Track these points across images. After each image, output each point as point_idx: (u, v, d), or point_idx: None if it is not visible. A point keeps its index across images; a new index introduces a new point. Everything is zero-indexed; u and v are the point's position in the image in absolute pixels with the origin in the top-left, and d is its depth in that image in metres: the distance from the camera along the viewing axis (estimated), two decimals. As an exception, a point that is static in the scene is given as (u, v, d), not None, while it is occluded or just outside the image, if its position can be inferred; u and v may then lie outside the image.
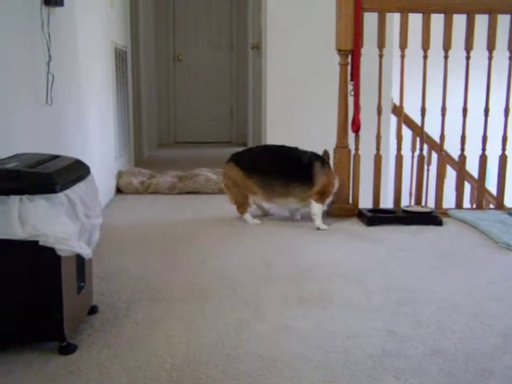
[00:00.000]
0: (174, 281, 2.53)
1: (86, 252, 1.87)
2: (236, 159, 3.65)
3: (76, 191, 1.86)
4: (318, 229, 3.45)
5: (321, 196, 3.50)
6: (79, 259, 1.95)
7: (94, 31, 3.91)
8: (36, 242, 1.73)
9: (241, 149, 3.83)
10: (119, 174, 4.66)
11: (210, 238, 3.26)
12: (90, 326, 2.05)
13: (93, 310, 2.15)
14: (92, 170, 2.10)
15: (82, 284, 2.02)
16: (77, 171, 1.97)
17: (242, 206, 3.61)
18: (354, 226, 3.52)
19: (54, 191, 1.74)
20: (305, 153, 3.57)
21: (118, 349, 1.88)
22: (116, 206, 4.12)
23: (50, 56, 2.76)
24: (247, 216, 3.59)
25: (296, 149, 3.59)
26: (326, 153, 3.63)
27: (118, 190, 4.55)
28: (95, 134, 3.86)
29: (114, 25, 4.62)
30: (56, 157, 2.05)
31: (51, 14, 2.79)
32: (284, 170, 3.53)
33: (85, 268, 2.04)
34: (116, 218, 3.69)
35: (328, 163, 3.59)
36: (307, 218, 3.57)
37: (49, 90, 2.77)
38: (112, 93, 4.46)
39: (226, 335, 1.99)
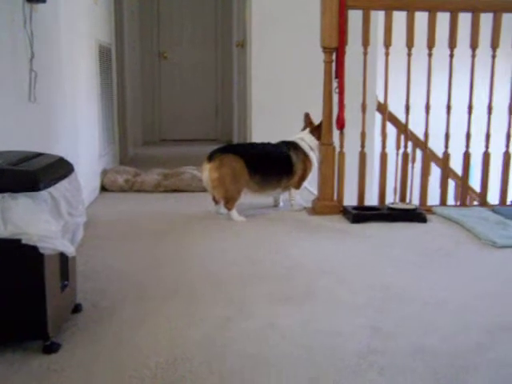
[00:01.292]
0: (159, 279, 2.52)
1: (70, 250, 1.85)
2: (237, 152, 3.59)
3: (59, 189, 1.84)
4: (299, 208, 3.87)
5: (299, 182, 3.84)
6: (63, 257, 1.94)
7: (78, 28, 3.88)
8: (19, 241, 1.71)
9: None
10: (104, 172, 4.63)
11: (195, 235, 3.25)
12: (74, 324, 2.04)
13: (77, 309, 2.13)
14: (76, 168, 2.09)
15: (66, 282, 2.01)
16: (60, 169, 1.95)
17: (231, 201, 3.57)
18: (339, 223, 3.53)
19: (38, 189, 1.72)
20: (279, 145, 3.79)
21: (103, 347, 1.87)
22: (101, 203, 4.09)
23: (32, 53, 2.73)
24: (234, 212, 3.58)
25: (270, 143, 3.79)
26: (307, 115, 3.93)
27: (103, 188, 4.52)
28: (79, 132, 3.83)
29: (98, 22, 4.59)
30: (39, 154, 2.03)
31: (34, 10, 2.77)
32: (275, 165, 3.73)
33: (68, 266, 2.03)
34: (101, 216, 3.66)
35: (301, 149, 3.80)
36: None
37: (32, 88, 2.75)
38: (96, 90, 4.43)
39: (211, 333, 1.98)
